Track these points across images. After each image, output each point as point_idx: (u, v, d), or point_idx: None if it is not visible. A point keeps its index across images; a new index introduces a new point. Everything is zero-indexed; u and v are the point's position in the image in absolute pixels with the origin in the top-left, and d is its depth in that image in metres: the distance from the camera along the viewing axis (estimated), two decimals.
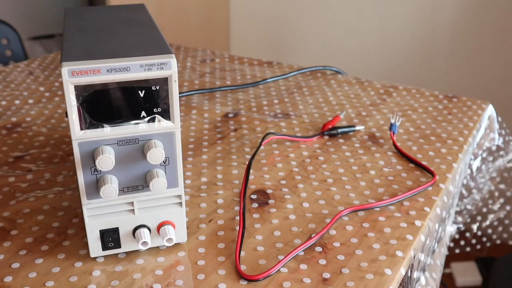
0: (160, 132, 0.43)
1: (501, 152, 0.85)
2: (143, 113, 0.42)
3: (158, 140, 0.43)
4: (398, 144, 0.67)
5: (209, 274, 0.45)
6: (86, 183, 0.43)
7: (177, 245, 0.48)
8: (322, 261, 0.47)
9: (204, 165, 0.63)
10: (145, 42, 0.44)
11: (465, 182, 0.79)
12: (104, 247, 0.46)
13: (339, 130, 0.70)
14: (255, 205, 0.55)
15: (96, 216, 0.44)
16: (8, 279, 0.44)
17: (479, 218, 0.99)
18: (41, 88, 0.86)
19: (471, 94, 1.40)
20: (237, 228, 0.51)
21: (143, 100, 0.41)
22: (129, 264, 0.46)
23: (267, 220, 0.53)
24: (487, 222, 1.00)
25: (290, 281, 0.44)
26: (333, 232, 0.51)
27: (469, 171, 0.78)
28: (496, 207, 0.96)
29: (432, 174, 0.60)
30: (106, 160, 0.41)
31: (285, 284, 0.44)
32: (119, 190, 0.43)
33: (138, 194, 0.44)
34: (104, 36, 0.45)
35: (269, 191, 0.58)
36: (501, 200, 0.96)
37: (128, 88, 0.41)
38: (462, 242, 1.12)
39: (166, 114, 0.42)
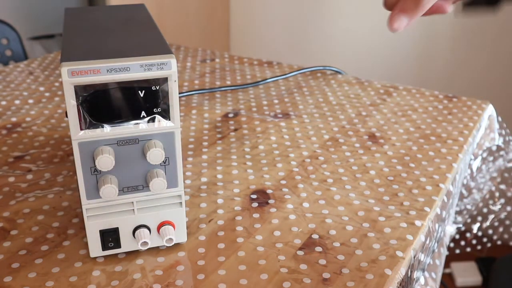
0: (160, 132, 0.43)
1: (501, 152, 0.85)
2: (143, 113, 0.42)
3: (158, 140, 0.43)
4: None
5: (209, 274, 0.45)
6: (86, 183, 0.43)
7: (177, 245, 0.48)
8: (322, 261, 0.47)
9: (204, 165, 0.63)
10: (145, 42, 0.44)
11: (465, 182, 0.79)
12: (104, 247, 0.46)
13: None
14: (255, 205, 0.55)
15: (96, 216, 0.44)
16: (8, 279, 0.44)
17: (479, 218, 0.99)
18: (41, 88, 0.86)
19: (471, 94, 1.40)
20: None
21: (143, 100, 0.41)
22: (129, 264, 0.46)
23: (267, 220, 0.53)
24: (488, 223, 1.00)
25: (290, 281, 0.44)
26: (333, 232, 0.51)
27: (469, 171, 0.78)
28: (496, 207, 0.96)
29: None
30: (106, 160, 0.41)
31: (285, 284, 0.44)
32: (119, 190, 0.43)
33: (138, 194, 0.44)
34: (104, 36, 0.45)
35: (269, 191, 0.58)
36: (502, 201, 0.96)
37: (128, 88, 0.41)
38: (462, 242, 1.12)
39: (166, 114, 0.42)
